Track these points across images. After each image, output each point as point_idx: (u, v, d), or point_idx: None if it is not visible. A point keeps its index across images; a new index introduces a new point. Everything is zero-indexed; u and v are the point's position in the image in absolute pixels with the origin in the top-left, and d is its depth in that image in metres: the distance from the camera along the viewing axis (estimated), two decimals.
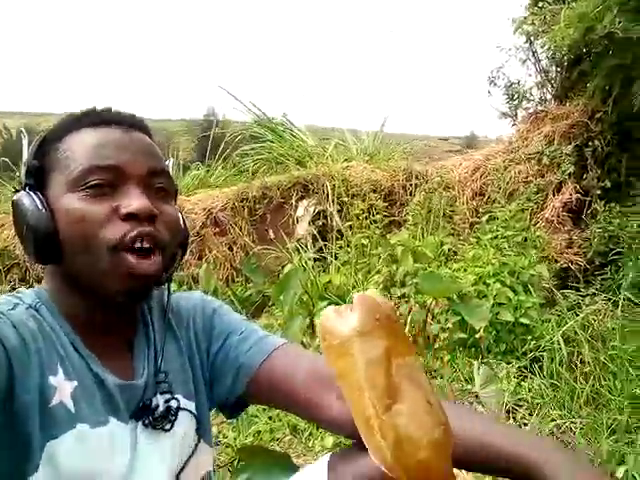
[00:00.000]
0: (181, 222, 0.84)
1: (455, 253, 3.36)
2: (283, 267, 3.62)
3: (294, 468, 1.12)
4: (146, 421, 0.78)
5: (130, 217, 0.73)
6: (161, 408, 0.80)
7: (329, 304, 3.05)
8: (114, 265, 0.72)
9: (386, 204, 3.86)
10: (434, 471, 0.54)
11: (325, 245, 3.80)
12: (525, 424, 2.03)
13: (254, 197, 3.94)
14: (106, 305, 0.77)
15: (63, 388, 0.71)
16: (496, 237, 3.02)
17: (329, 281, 3.36)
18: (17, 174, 3.85)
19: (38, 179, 0.76)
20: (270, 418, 2.18)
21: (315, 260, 3.77)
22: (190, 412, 0.84)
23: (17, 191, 0.76)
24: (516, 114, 4.35)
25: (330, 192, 3.82)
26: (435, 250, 3.13)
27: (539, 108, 4.17)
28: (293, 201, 4.01)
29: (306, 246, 3.83)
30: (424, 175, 3.86)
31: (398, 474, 0.54)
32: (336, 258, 3.63)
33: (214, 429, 2.17)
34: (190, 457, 0.84)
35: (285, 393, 0.83)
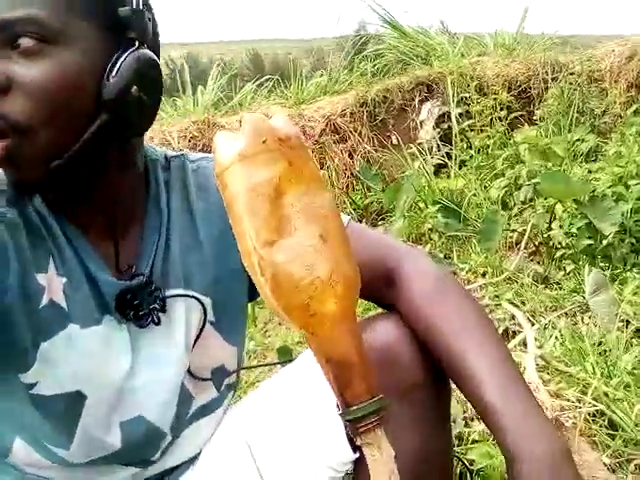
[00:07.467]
0: (84, 77, 0.58)
1: (597, 152, 2.91)
2: (404, 174, 3.47)
3: None
4: (129, 316, 0.69)
5: None
6: (144, 302, 0.70)
7: (442, 209, 2.88)
8: None
9: (520, 101, 3.43)
10: (319, 317, 0.46)
11: (450, 150, 3.53)
12: None
13: (373, 101, 3.76)
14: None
15: (54, 285, 0.65)
16: None
17: (447, 187, 3.14)
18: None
19: None
20: None
21: (440, 166, 3.55)
22: (192, 297, 0.73)
23: None
24: None
25: (457, 91, 3.49)
26: (568, 148, 2.73)
27: None
28: (416, 104, 3.74)
29: (430, 150, 3.60)
30: (567, 66, 3.32)
31: (281, 315, 0.48)
32: (464, 164, 3.36)
33: None
34: (195, 341, 0.76)
35: None
